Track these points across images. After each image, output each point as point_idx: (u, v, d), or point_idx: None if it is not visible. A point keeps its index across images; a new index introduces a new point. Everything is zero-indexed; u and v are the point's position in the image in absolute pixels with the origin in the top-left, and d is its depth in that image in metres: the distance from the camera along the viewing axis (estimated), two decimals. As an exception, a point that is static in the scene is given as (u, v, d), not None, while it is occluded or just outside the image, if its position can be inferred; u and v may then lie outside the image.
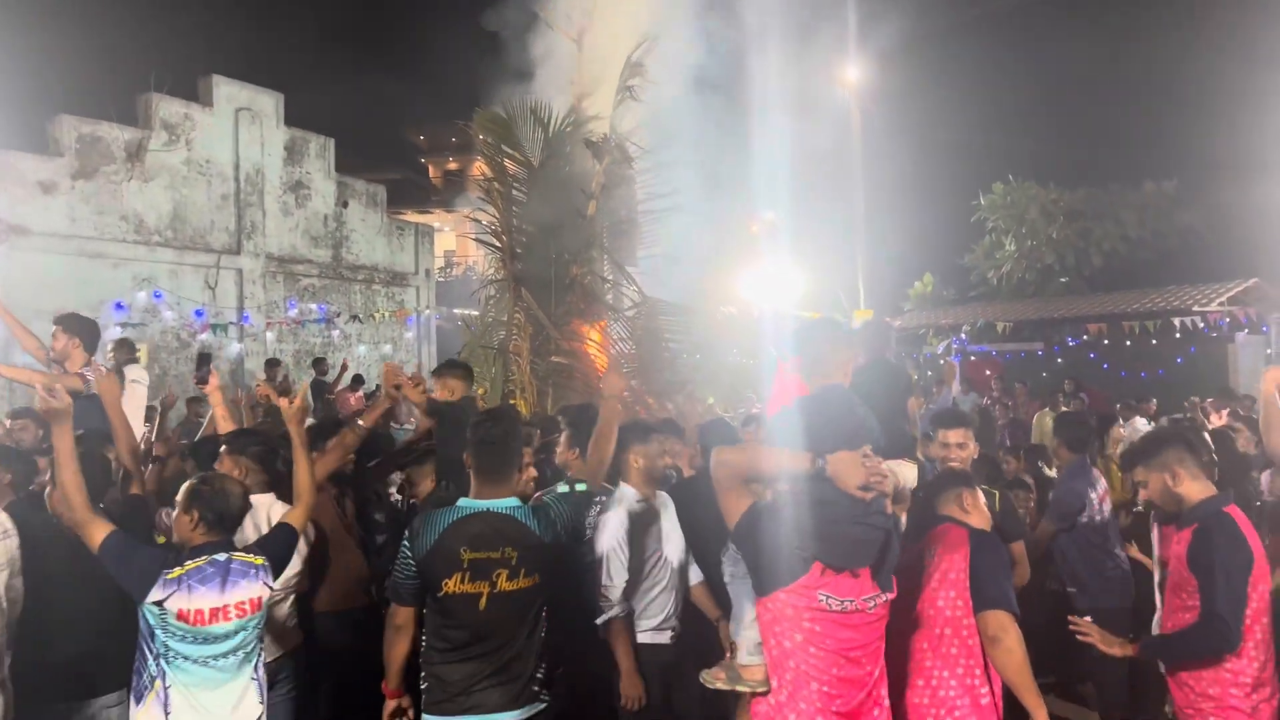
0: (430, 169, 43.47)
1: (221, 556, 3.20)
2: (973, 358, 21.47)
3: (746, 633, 2.93)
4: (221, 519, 3.25)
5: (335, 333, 17.18)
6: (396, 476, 5.51)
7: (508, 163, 9.01)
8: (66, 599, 3.52)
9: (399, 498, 5.41)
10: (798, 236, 17.85)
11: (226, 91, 15.61)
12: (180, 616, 3.07)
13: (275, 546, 3.45)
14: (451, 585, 3.03)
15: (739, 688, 2.92)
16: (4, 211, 12.62)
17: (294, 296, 16.64)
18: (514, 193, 9.09)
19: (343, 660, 4.30)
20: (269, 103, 16.31)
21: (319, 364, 14.89)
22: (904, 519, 3.13)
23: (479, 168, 9.82)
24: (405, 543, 3.13)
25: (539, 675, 3.16)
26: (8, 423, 5.95)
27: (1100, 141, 30.13)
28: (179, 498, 3.28)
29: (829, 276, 20.80)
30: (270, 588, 3.33)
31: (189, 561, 3.14)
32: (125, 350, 8.92)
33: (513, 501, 3.17)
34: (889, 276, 25.06)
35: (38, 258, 12.99)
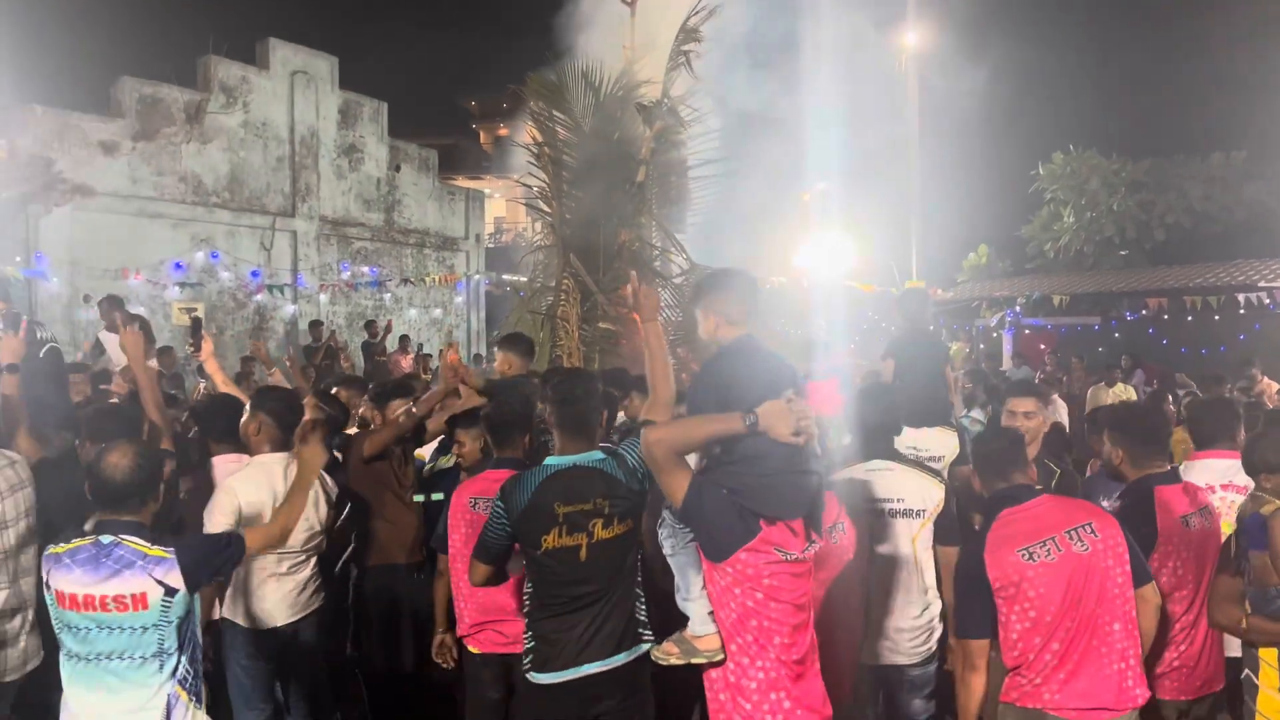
0: (481, 135, 43.55)
1: (106, 539, 2.78)
2: (1027, 331, 21.10)
3: (695, 605, 2.90)
4: (102, 492, 2.84)
5: (387, 296, 17.40)
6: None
7: (558, 128, 8.98)
8: None
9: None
10: (850, 206, 17.63)
11: (282, 55, 15.77)
12: (57, 599, 2.78)
13: (209, 553, 2.97)
14: (550, 540, 3.10)
15: (695, 660, 2.87)
16: (68, 172, 12.92)
17: (347, 259, 16.87)
18: (564, 158, 9.07)
19: (397, 609, 4.71)
20: (324, 66, 16.44)
21: (370, 326, 15.12)
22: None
23: (530, 133, 9.81)
24: (499, 503, 3.19)
25: (640, 617, 3.25)
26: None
27: (1166, 111, 29.13)
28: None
29: (882, 247, 20.53)
30: (164, 586, 2.78)
31: (76, 539, 2.81)
32: (113, 307, 9.01)
33: (597, 454, 3.23)
34: (943, 247, 24.61)
35: (100, 217, 13.30)
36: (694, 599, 2.92)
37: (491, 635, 3.82)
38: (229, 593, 3.90)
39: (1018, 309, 20.61)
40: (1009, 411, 4.35)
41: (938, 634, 3.79)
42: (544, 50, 9.93)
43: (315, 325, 14.38)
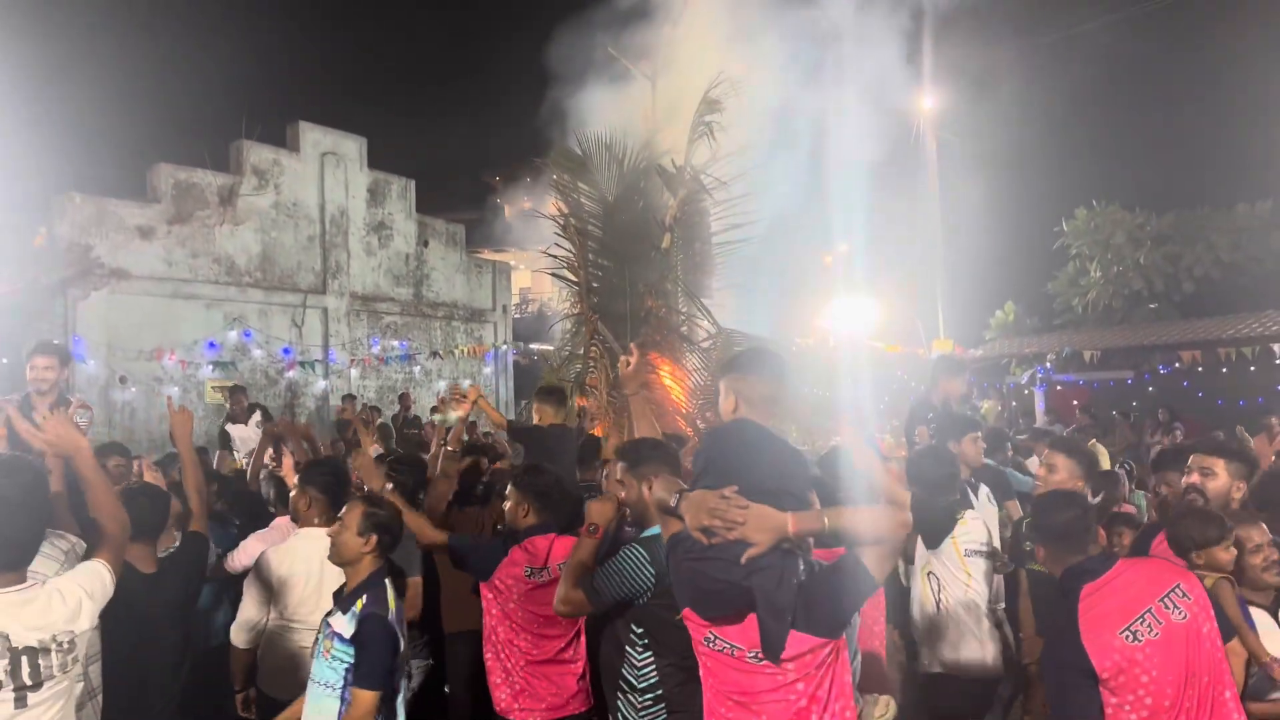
0: (505, 208, 44.28)
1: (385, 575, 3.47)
2: (1059, 387, 20.88)
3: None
4: (395, 542, 3.49)
5: (416, 369, 17.55)
6: None
7: (583, 199, 9.15)
8: (136, 636, 3.60)
9: None
10: (874, 267, 17.69)
11: (312, 137, 16.20)
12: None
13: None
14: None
15: None
16: (105, 256, 13.25)
17: (377, 334, 17.07)
18: (589, 228, 9.21)
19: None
20: (353, 147, 16.86)
21: (403, 399, 15.28)
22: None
23: (554, 205, 9.99)
24: (649, 565, 3.15)
25: None
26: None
27: (1188, 163, 29.15)
28: (354, 521, 3.43)
29: (906, 306, 20.52)
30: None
31: (389, 598, 3.36)
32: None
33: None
34: (969, 305, 24.56)
35: (136, 299, 13.59)
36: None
37: (542, 708, 3.77)
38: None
39: (1048, 365, 20.44)
40: (1047, 465, 4.18)
41: None
42: (567, 124, 10.17)
43: (348, 399, 14.51)
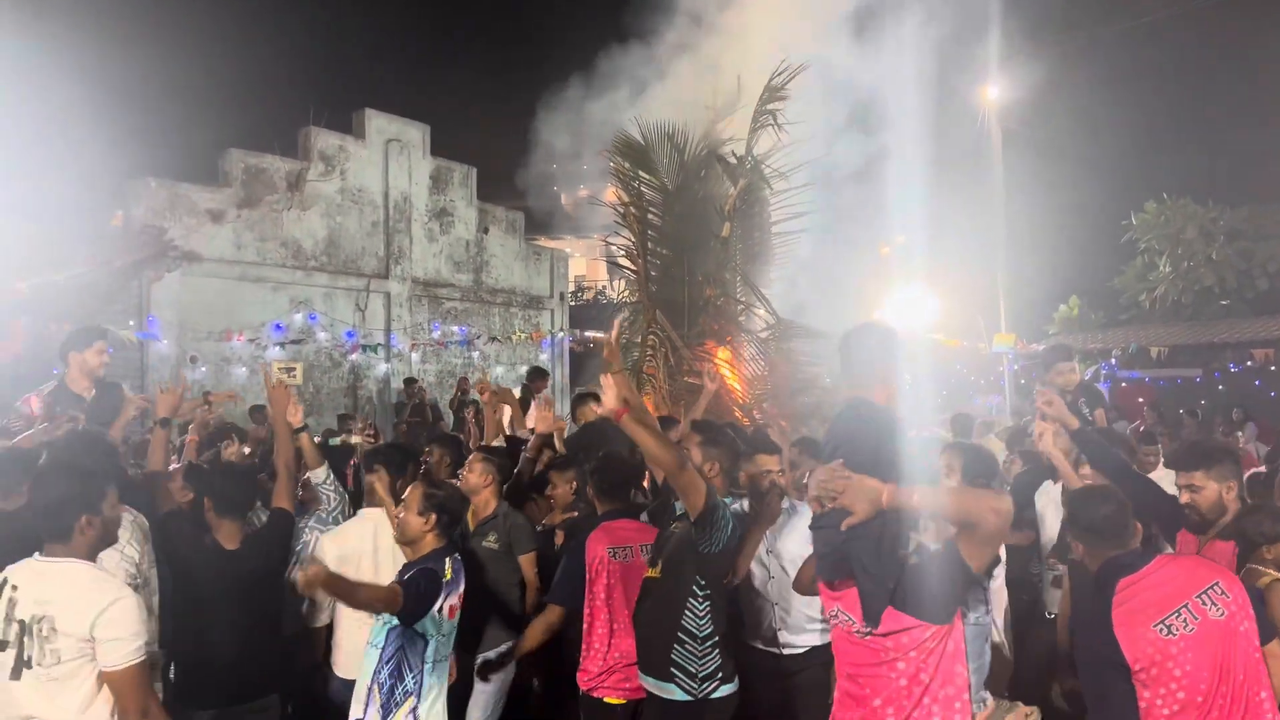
0: (563, 196, 44.52)
1: (457, 554, 3.53)
2: (1124, 384, 20.44)
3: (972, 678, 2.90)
4: (455, 522, 3.56)
5: (475, 354, 17.79)
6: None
7: (643, 187, 9.18)
8: (217, 613, 3.71)
9: None
10: (934, 259, 17.45)
11: (378, 124, 16.48)
12: (450, 614, 3.43)
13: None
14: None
15: None
16: (178, 239, 13.64)
17: (437, 319, 17.34)
18: (649, 216, 9.25)
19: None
20: (416, 134, 17.11)
21: (462, 384, 15.49)
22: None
23: (612, 193, 10.03)
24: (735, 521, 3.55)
25: None
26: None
27: (1264, 157, 28.18)
28: (415, 502, 3.53)
29: (967, 299, 20.22)
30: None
31: (447, 563, 3.45)
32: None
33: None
34: (1032, 299, 24.11)
35: (206, 282, 13.98)
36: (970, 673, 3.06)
37: (619, 682, 3.88)
38: None
39: (1113, 361, 20.02)
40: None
41: None
42: (627, 112, 10.20)
43: (409, 382, 14.77)
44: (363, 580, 3.77)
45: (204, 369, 13.79)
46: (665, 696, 3.50)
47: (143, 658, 2.84)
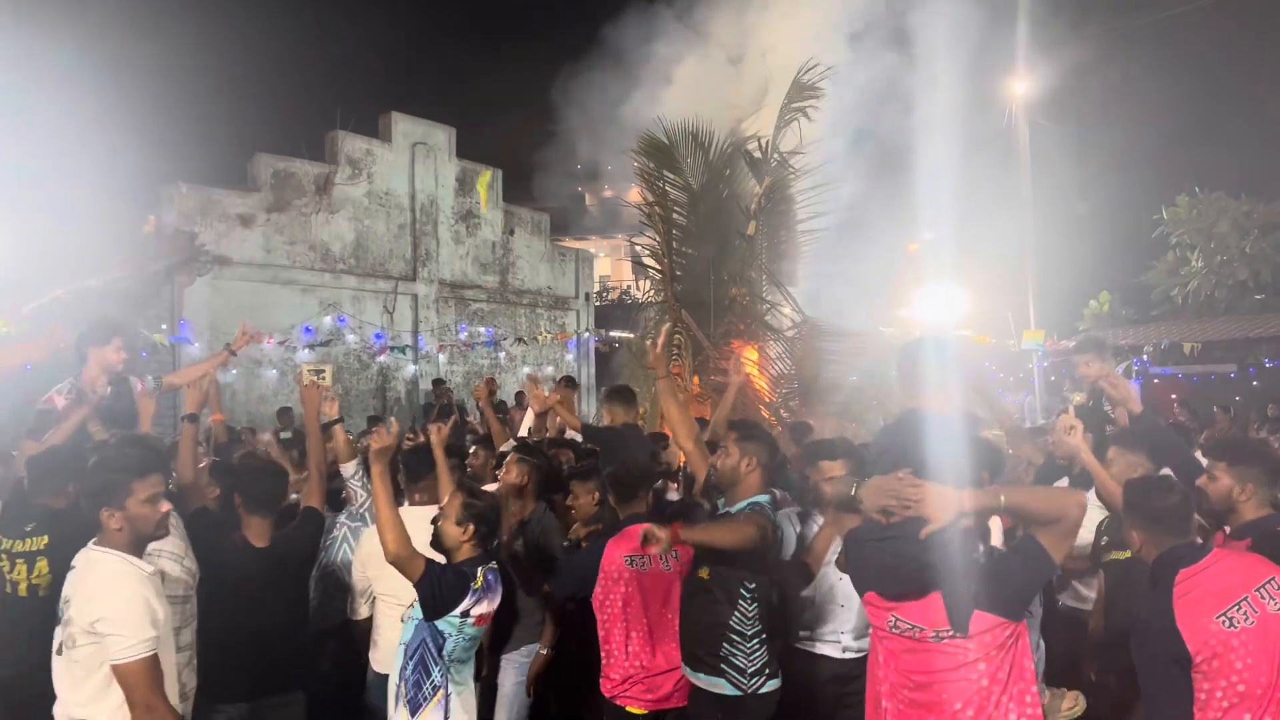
0: (587, 197, 44.59)
1: (494, 565, 3.52)
2: (1156, 380, 20.18)
3: None
4: (493, 533, 3.55)
5: (502, 355, 17.88)
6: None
7: (668, 186, 9.19)
8: (245, 610, 3.75)
9: None
10: (962, 256, 17.32)
11: (404, 127, 16.60)
12: (478, 622, 3.42)
13: None
14: None
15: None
16: (209, 244, 13.81)
17: (464, 320, 17.44)
18: (674, 215, 9.25)
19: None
20: (442, 137, 17.22)
21: (490, 384, 15.56)
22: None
23: (636, 194, 10.04)
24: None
25: None
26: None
27: (1300, 148, 27.71)
28: (453, 511, 3.53)
29: (996, 296, 20.04)
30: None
31: (479, 572, 3.44)
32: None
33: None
34: (1061, 295, 23.87)
35: (237, 285, 14.14)
36: None
37: (641, 692, 3.92)
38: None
39: (1145, 357, 19.77)
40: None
41: None
42: (652, 113, 10.20)
43: (438, 383, 14.86)
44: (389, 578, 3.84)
45: (235, 371, 13.95)
46: (715, 691, 3.56)
47: (147, 654, 2.85)
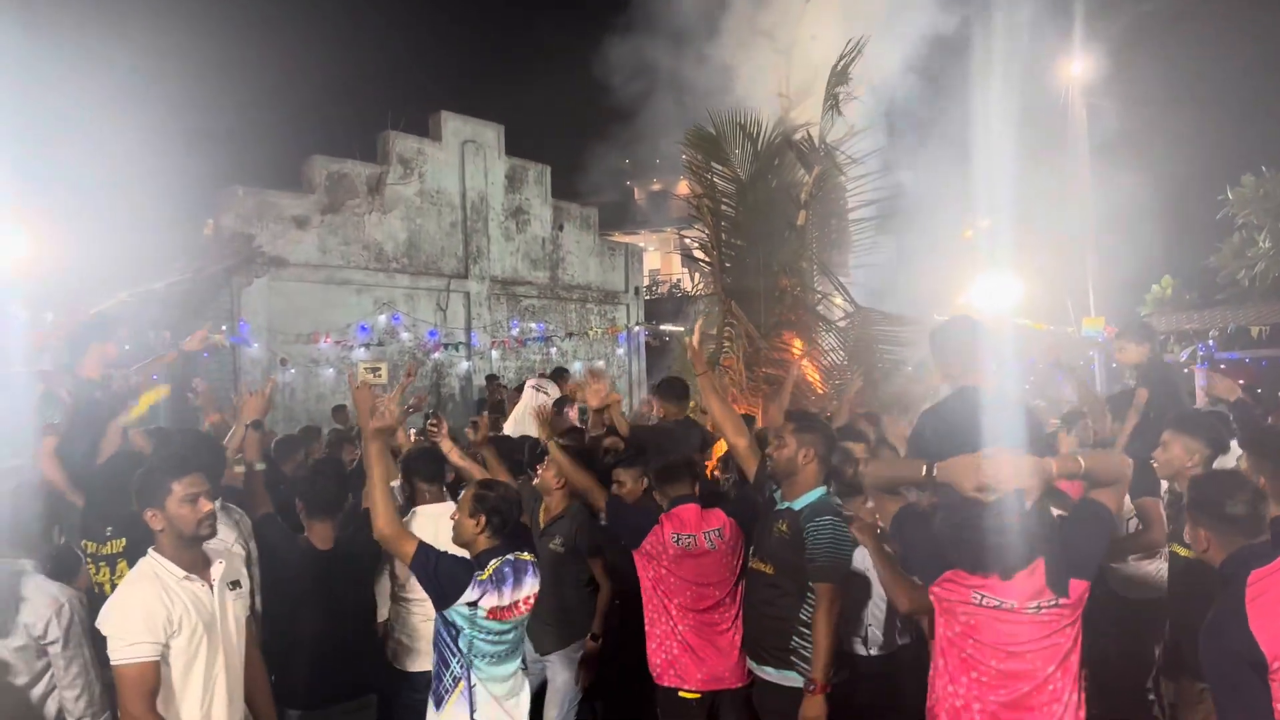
0: (635, 191, 44.63)
1: (510, 557, 3.45)
2: (1222, 366, 19.61)
3: None
4: (506, 523, 3.53)
5: (553, 350, 17.98)
6: None
7: (715, 178, 9.13)
8: (310, 613, 3.79)
9: None
10: (1019, 241, 16.98)
11: (454, 126, 16.74)
12: (490, 614, 3.32)
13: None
14: None
15: None
16: (266, 245, 14.08)
17: (516, 316, 17.57)
18: (722, 207, 9.20)
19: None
20: (491, 135, 17.34)
21: (484, 422, 15.66)
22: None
23: (685, 186, 10.00)
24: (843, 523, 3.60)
25: None
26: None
27: (1373, 123, 26.70)
28: (466, 503, 3.54)
29: (1055, 282, 19.63)
30: (538, 581, 3.55)
31: (490, 564, 3.39)
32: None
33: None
34: (1121, 281, 23.28)
35: (293, 286, 14.39)
36: None
37: (692, 674, 3.93)
38: None
39: (1211, 342, 19.23)
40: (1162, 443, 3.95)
41: None
42: (699, 104, 10.16)
43: (491, 379, 15.00)
44: None
45: (293, 371, 14.22)
46: (786, 685, 3.58)
47: (135, 660, 2.76)
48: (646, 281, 27.59)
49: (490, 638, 3.35)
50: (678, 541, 3.97)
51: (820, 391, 8.84)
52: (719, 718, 4.00)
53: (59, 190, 10.16)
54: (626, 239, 24.46)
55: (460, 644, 3.32)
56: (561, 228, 18.63)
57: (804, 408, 6.87)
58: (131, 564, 3.81)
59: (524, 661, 3.59)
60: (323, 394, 14.62)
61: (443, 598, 3.30)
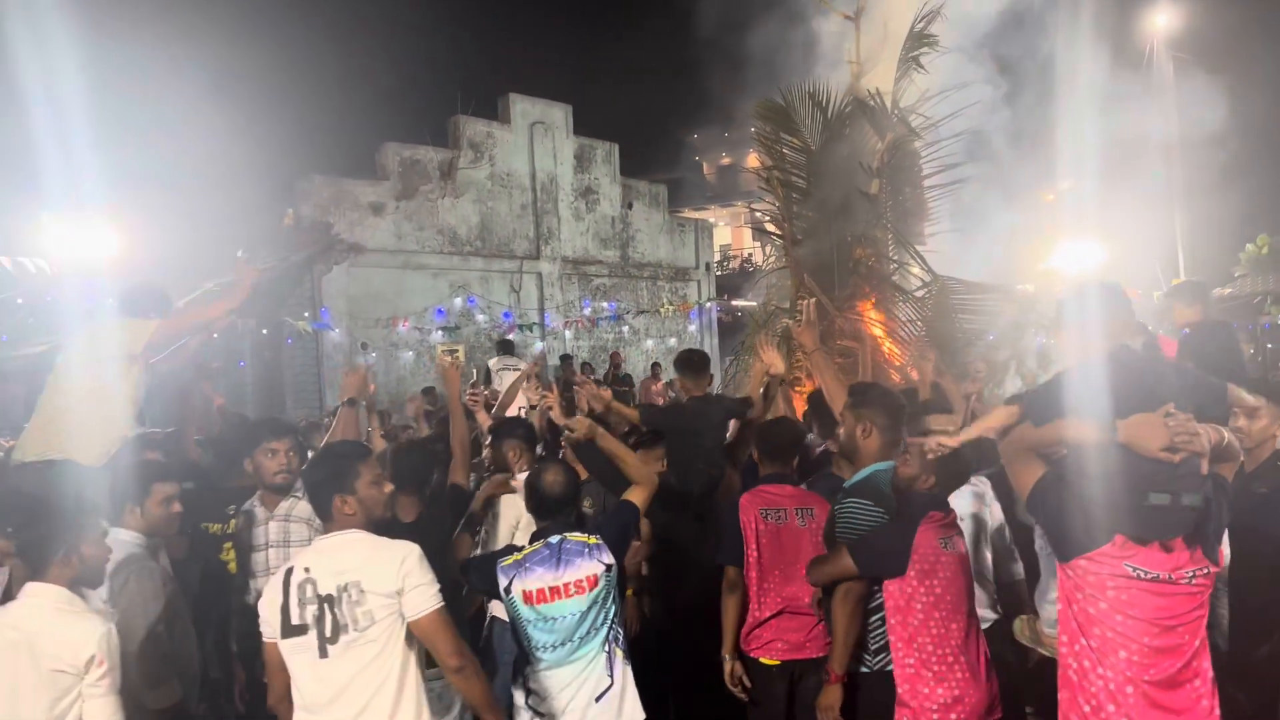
0: (704, 166, 44.34)
1: (554, 539, 3.34)
2: (1325, 327, 18.71)
3: (1048, 607, 3.12)
4: (543, 505, 3.44)
5: (625, 328, 18.04)
6: None
7: (785, 149, 9.01)
8: None
9: None
10: (1103, 204, 16.41)
11: (522, 108, 16.84)
12: (525, 599, 3.25)
13: (611, 525, 3.50)
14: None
15: (1038, 649, 3.46)
16: (344, 233, 14.39)
17: (587, 296, 17.67)
18: (793, 179, 9.07)
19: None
20: (559, 115, 17.40)
21: (613, 358, 15.83)
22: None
23: (754, 159, 9.88)
24: (877, 507, 3.35)
25: None
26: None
27: None
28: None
29: (1141, 245, 18.94)
30: (606, 564, 3.35)
31: (528, 547, 3.36)
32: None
33: None
34: (1213, 240, 22.35)
35: (371, 272, 14.70)
36: (1048, 601, 3.19)
37: (771, 641, 3.91)
38: None
39: (1313, 302, 18.36)
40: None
41: None
42: (767, 76, 10.02)
43: (565, 359, 15.14)
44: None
45: (374, 354, 14.55)
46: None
47: (442, 604, 2.94)
48: (717, 257, 27.45)
49: (542, 625, 3.27)
50: (765, 517, 3.97)
51: (899, 364, 8.69)
52: (800, 686, 3.98)
53: (147, 188, 10.53)
54: (696, 215, 24.36)
55: (519, 634, 3.34)
56: (631, 206, 18.63)
57: (880, 383, 6.75)
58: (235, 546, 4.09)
59: (612, 648, 3.39)
60: (403, 376, 14.93)
61: (489, 593, 3.38)
